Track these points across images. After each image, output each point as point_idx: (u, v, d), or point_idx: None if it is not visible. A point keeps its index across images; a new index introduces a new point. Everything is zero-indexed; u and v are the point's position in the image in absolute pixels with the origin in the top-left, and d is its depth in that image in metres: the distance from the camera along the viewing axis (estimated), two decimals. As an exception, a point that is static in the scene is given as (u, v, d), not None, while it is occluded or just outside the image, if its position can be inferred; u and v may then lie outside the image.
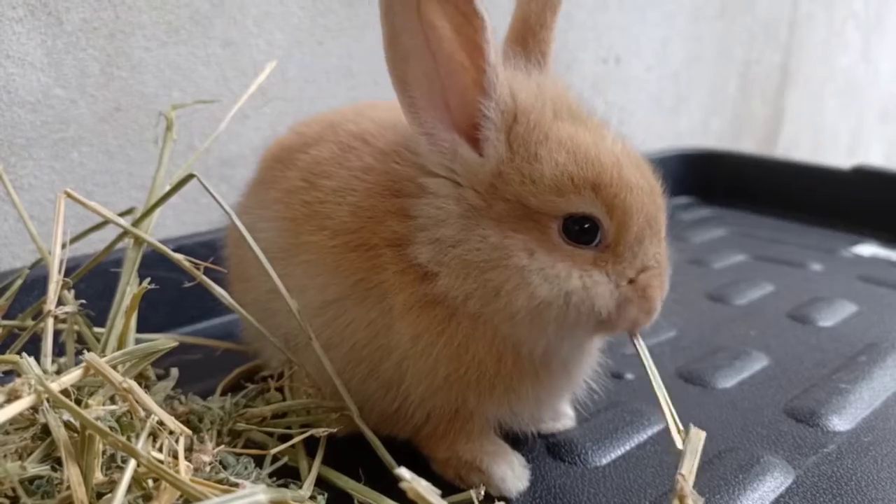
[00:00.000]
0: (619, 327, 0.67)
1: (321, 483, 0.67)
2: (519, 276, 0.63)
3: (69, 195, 0.75)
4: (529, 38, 0.74)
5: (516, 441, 0.78)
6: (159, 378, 0.82)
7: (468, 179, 0.65)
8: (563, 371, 0.71)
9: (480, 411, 0.71)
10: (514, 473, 0.72)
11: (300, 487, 0.65)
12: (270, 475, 0.68)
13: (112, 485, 0.57)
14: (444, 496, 0.54)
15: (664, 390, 0.65)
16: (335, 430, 0.70)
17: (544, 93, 0.66)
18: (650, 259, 0.66)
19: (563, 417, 0.83)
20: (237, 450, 0.70)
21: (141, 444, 0.57)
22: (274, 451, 0.70)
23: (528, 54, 0.73)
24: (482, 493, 0.66)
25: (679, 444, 0.60)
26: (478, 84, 0.63)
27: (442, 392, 0.68)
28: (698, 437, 0.60)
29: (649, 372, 0.67)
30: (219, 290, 0.73)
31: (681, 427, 0.62)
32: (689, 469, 0.58)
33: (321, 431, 0.70)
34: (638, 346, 0.68)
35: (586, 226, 0.64)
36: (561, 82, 0.71)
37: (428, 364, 0.67)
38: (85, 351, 0.62)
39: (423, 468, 0.72)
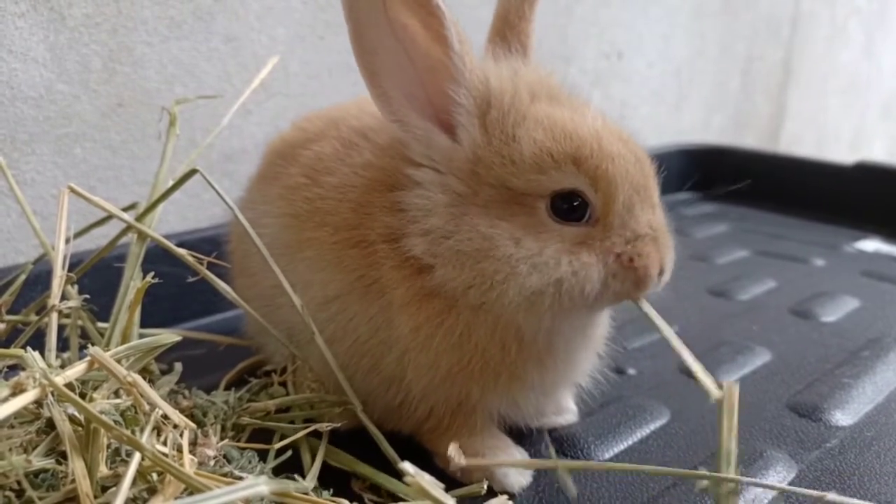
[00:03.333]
0: (607, 302, 0.66)
1: (325, 477, 0.67)
2: (508, 267, 0.63)
3: (72, 190, 0.75)
4: (508, 31, 0.75)
5: (520, 436, 0.78)
6: (163, 373, 0.82)
7: (447, 166, 0.66)
8: (566, 357, 0.71)
9: (484, 404, 0.71)
10: (516, 469, 0.72)
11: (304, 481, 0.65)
12: (274, 469, 0.68)
13: (117, 478, 0.57)
14: (447, 490, 0.54)
15: (684, 346, 0.63)
16: (339, 424, 0.70)
17: (520, 77, 0.67)
18: (643, 227, 0.64)
19: (566, 412, 0.83)
20: (241, 444, 0.70)
21: (145, 438, 0.57)
22: (277, 445, 0.70)
23: (508, 46, 0.73)
24: (485, 487, 0.66)
25: (715, 395, 0.58)
26: (447, 72, 0.64)
27: (445, 385, 0.68)
28: (733, 391, 0.58)
29: (663, 333, 0.63)
30: (222, 285, 0.73)
31: (713, 381, 0.60)
32: (728, 427, 0.57)
33: (324, 426, 0.70)
34: (645, 310, 0.66)
35: (575, 203, 0.63)
36: (541, 68, 0.71)
37: (429, 357, 0.67)
38: (89, 345, 0.63)
39: (426, 463, 0.72)
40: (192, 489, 0.54)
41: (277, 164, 0.81)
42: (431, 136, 0.66)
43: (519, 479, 0.71)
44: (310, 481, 0.63)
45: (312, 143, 0.78)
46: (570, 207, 0.63)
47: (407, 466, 0.53)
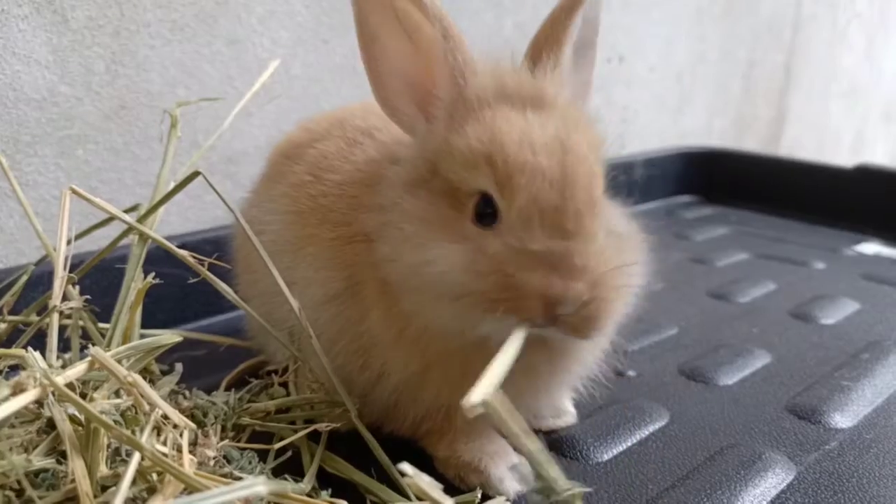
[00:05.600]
0: (490, 322, 0.60)
1: (324, 477, 0.67)
2: (403, 247, 0.63)
3: (74, 192, 0.75)
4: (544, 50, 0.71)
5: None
6: (164, 373, 0.82)
7: (421, 150, 0.68)
8: (546, 360, 0.67)
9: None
10: (513, 475, 0.71)
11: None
12: (274, 470, 0.68)
13: (117, 478, 0.57)
14: (447, 492, 0.54)
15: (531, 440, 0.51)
16: (339, 424, 0.71)
17: (499, 77, 0.67)
18: (536, 244, 0.59)
19: (565, 414, 0.83)
20: (241, 444, 0.71)
21: (145, 438, 0.58)
22: (277, 445, 0.70)
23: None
24: (479, 494, 0.65)
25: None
26: (434, 63, 0.66)
27: (423, 386, 0.68)
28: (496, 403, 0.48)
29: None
30: (223, 286, 0.74)
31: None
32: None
33: (324, 426, 0.70)
34: (505, 344, 0.55)
35: (489, 210, 0.62)
36: (531, 74, 0.68)
37: (401, 355, 0.67)
38: (90, 346, 0.63)
39: (428, 466, 0.72)
40: (191, 489, 0.54)
41: (283, 163, 0.82)
42: (415, 122, 0.69)
43: (514, 484, 0.70)
44: (307, 483, 0.64)
45: (317, 142, 0.80)
46: (483, 211, 0.62)
47: (406, 467, 0.53)
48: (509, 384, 0.61)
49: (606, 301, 0.60)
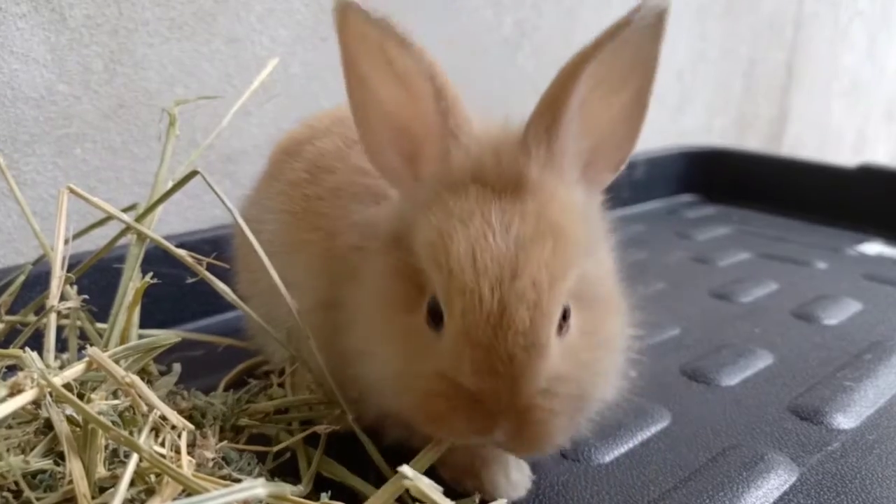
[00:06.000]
0: (417, 408, 0.59)
1: (323, 479, 0.67)
2: (358, 305, 0.63)
3: (72, 191, 0.75)
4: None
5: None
6: (162, 374, 0.81)
7: (401, 210, 0.64)
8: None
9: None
10: (507, 481, 0.69)
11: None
12: (273, 471, 0.68)
13: (114, 479, 0.57)
14: (447, 495, 0.54)
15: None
16: (337, 426, 0.70)
17: (479, 156, 0.61)
18: (466, 384, 0.55)
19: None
20: (240, 446, 0.70)
21: (143, 439, 0.57)
22: (276, 447, 0.69)
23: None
24: (477, 500, 0.65)
25: None
26: (428, 122, 0.62)
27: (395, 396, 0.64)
28: None
29: None
30: (221, 286, 0.73)
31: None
32: None
33: (322, 428, 0.69)
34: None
35: (438, 314, 0.58)
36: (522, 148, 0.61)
37: (375, 364, 0.64)
38: (87, 346, 0.62)
39: (428, 468, 0.71)
40: (189, 491, 0.54)
41: (283, 160, 0.82)
42: (402, 178, 0.65)
43: (509, 491, 0.68)
44: (305, 484, 0.63)
45: (317, 140, 0.79)
46: (434, 312, 0.58)
47: (406, 470, 0.53)
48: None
49: (542, 425, 0.56)
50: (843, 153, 2.94)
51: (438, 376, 0.57)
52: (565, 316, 0.59)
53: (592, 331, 0.61)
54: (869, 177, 1.67)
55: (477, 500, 0.64)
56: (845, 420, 0.85)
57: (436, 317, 0.58)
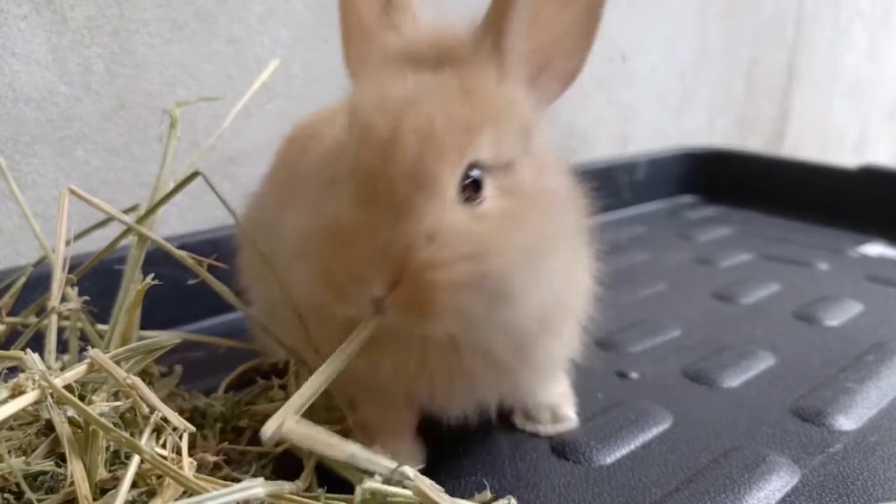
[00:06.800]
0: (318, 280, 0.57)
1: (322, 476, 0.66)
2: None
3: (73, 192, 0.75)
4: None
5: (517, 442, 0.78)
6: (163, 375, 0.82)
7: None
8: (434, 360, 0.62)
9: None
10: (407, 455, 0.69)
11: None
12: (274, 471, 0.68)
13: (116, 481, 0.57)
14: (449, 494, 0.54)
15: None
16: (337, 427, 0.70)
17: (412, 35, 0.64)
18: (346, 221, 0.54)
19: (565, 420, 0.81)
20: (240, 447, 0.70)
21: (144, 441, 0.57)
22: (277, 449, 0.69)
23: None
24: (487, 494, 0.65)
25: None
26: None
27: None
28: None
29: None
30: (222, 288, 0.73)
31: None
32: None
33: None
34: None
35: None
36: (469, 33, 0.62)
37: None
38: (89, 347, 0.62)
39: (429, 469, 0.71)
40: (190, 492, 0.54)
41: (287, 151, 0.83)
42: (357, 72, 0.68)
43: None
44: (303, 482, 0.63)
45: (322, 127, 0.79)
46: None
47: (406, 471, 0.53)
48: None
49: (429, 286, 0.52)
50: (845, 154, 2.93)
51: (330, 229, 0.54)
52: (476, 184, 0.56)
53: (517, 223, 0.57)
54: (870, 177, 1.67)
55: (487, 495, 0.64)
56: (847, 422, 0.84)
57: None
